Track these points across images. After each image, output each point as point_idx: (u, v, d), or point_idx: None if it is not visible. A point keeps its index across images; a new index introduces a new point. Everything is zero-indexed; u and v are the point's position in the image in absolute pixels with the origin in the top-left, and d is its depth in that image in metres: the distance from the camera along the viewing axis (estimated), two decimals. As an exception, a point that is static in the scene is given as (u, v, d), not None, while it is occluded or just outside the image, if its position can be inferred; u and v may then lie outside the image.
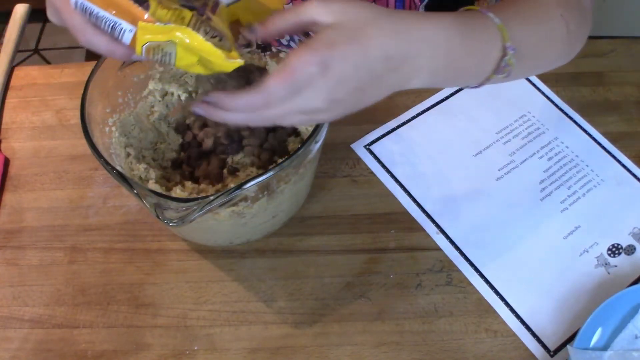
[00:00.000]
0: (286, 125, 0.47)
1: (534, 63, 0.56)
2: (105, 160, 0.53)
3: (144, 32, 0.41)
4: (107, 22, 0.42)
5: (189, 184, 0.60)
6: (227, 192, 0.50)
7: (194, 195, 0.59)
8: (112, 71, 0.61)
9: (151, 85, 0.67)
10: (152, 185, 0.60)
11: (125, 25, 0.42)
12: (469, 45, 0.48)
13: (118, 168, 0.56)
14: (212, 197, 0.49)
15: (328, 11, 0.41)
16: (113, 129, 0.62)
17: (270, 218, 0.62)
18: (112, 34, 0.42)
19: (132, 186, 0.51)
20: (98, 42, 0.43)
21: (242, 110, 0.43)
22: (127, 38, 0.42)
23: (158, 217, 0.49)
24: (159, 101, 0.67)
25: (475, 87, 0.52)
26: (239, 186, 0.50)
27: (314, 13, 0.42)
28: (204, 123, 0.65)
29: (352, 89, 0.42)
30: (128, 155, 0.63)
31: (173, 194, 0.58)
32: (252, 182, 0.50)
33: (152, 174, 0.62)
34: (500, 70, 0.50)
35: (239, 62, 0.42)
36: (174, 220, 0.49)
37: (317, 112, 0.43)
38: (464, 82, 0.52)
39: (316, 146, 0.56)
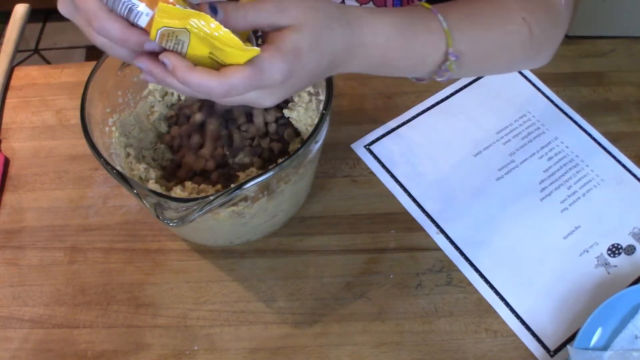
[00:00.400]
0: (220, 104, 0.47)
1: (482, 67, 0.56)
2: (105, 160, 0.53)
3: (162, 14, 0.40)
4: (125, 4, 0.41)
5: (189, 184, 0.60)
6: (227, 192, 0.50)
7: (194, 195, 0.59)
8: (112, 71, 0.61)
9: (151, 85, 0.67)
10: (152, 185, 0.60)
11: (143, 7, 0.41)
12: (408, 49, 0.49)
13: (118, 168, 0.56)
14: (212, 197, 0.49)
15: (289, 15, 0.42)
16: (113, 129, 0.62)
17: (270, 218, 0.62)
18: (128, 17, 0.41)
19: (132, 186, 0.51)
20: (111, 28, 0.42)
21: (193, 88, 0.41)
22: (143, 21, 0.42)
23: (158, 217, 0.49)
24: (159, 101, 0.68)
25: (421, 81, 0.54)
26: (239, 186, 0.50)
27: (273, 16, 0.42)
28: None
29: (298, 89, 0.46)
30: (128, 155, 0.63)
31: (173, 194, 0.58)
32: (252, 182, 0.50)
33: (152, 174, 0.62)
34: (440, 74, 0.51)
35: (255, 49, 0.41)
36: (174, 220, 0.49)
37: (258, 104, 0.45)
38: (399, 76, 0.53)
39: (316, 146, 0.56)
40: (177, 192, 0.59)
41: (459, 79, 0.59)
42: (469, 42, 0.51)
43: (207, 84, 0.40)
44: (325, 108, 0.55)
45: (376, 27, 0.47)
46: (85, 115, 0.55)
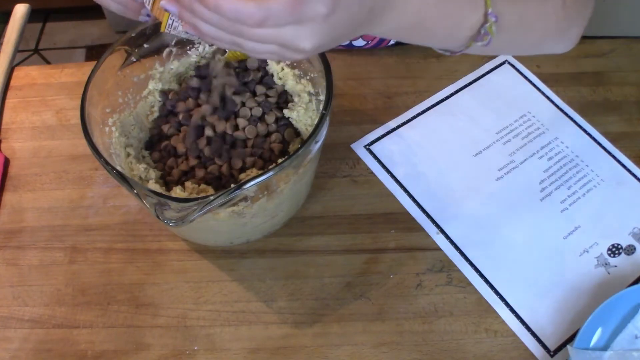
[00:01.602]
0: (253, 56, 0.43)
1: (520, 36, 0.54)
2: (105, 160, 0.53)
3: None
4: None
5: (189, 184, 0.60)
6: (227, 192, 0.50)
7: (194, 195, 0.59)
8: (112, 71, 0.61)
9: (151, 85, 0.67)
10: (152, 185, 0.60)
11: None
12: (445, 7, 0.46)
13: (118, 168, 0.56)
14: (212, 197, 0.49)
15: None
16: (113, 129, 0.62)
17: (270, 218, 0.62)
18: None
19: (132, 186, 0.51)
20: None
21: (227, 13, 0.37)
22: None
23: (158, 217, 0.49)
24: (159, 101, 0.68)
25: (455, 52, 0.51)
26: (239, 186, 0.50)
27: None
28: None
29: (336, 37, 0.41)
30: (128, 155, 0.63)
31: (173, 194, 0.58)
32: (252, 183, 0.50)
33: (152, 174, 0.62)
34: (480, 38, 0.48)
35: None
36: (174, 220, 0.49)
37: (296, 51, 0.40)
38: (436, 44, 0.51)
39: (316, 146, 0.56)
40: (177, 192, 0.59)
41: (503, 53, 0.57)
42: (507, 4, 0.49)
43: (242, 9, 0.36)
44: (325, 108, 0.55)
45: None
46: (85, 115, 0.55)
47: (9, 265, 0.66)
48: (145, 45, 0.63)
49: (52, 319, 0.62)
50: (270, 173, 0.51)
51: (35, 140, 0.75)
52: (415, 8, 0.45)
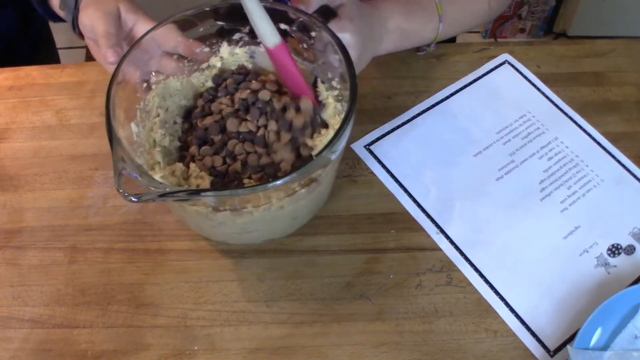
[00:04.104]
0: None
1: (459, 29, 0.79)
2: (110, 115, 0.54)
3: None
4: None
5: (193, 165, 0.60)
6: (187, 191, 0.50)
7: (182, 181, 0.59)
8: (174, 34, 0.63)
9: (212, 61, 0.67)
10: (157, 153, 0.60)
11: None
12: (413, 23, 0.73)
13: (133, 124, 0.58)
14: (168, 190, 0.50)
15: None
16: (154, 86, 0.63)
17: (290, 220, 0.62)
18: None
19: (113, 146, 0.52)
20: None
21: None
22: None
23: (118, 189, 0.50)
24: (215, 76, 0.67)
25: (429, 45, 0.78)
26: (196, 192, 0.51)
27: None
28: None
29: (363, 60, 0.68)
30: (158, 115, 0.63)
31: (157, 169, 0.59)
32: (209, 193, 0.51)
33: (167, 141, 0.62)
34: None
35: None
36: (132, 196, 0.50)
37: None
38: (416, 45, 0.78)
39: (334, 155, 0.55)
40: (164, 171, 0.59)
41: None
42: (448, 8, 0.74)
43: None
44: (344, 123, 0.54)
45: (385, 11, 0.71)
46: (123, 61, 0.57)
47: (9, 265, 0.66)
48: (219, 22, 0.64)
49: (52, 319, 0.62)
50: (284, 179, 0.51)
51: (35, 140, 0.75)
52: (396, 35, 0.72)
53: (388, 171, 0.71)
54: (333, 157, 0.55)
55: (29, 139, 0.75)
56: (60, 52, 1.19)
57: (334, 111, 0.63)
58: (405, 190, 0.69)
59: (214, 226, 0.60)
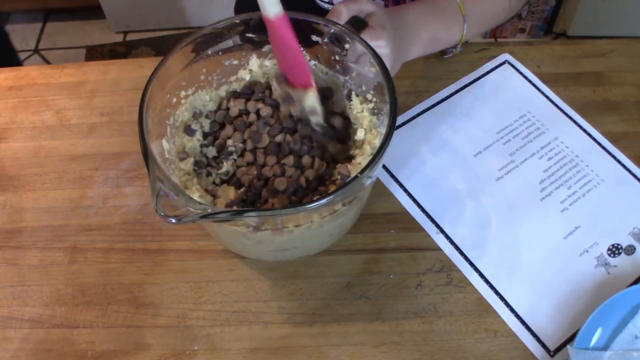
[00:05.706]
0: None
1: (482, 28, 0.79)
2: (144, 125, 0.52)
3: None
4: None
5: (230, 189, 0.58)
6: (239, 212, 0.49)
7: (209, 198, 0.58)
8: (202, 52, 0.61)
9: (241, 74, 0.66)
10: (188, 165, 0.59)
11: None
12: (443, 25, 0.74)
13: (165, 143, 0.57)
14: (217, 211, 0.48)
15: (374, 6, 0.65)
16: (183, 101, 0.62)
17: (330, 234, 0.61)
18: None
19: (149, 166, 0.49)
20: None
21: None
22: None
23: (157, 210, 0.47)
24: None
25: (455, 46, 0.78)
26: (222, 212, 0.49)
27: (368, 6, 0.65)
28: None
29: (396, 64, 0.69)
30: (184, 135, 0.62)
31: (194, 189, 0.57)
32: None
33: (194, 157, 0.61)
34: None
35: None
36: (172, 218, 0.47)
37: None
38: (444, 47, 0.77)
39: (369, 181, 0.54)
40: (197, 188, 0.57)
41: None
42: (472, 6, 0.75)
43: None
44: (385, 139, 0.52)
45: (412, 14, 0.71)
46: (156, 75, 0.55)
47: (9, 265, 0.66)
48: (248, 35, 0.62)
49: (52, 319, 0.62)
50: (319, 201, 0.49)
51: (35, 140, 0.75)
52: (425, 39, 0.72)
53: (388, 171, 0.71)
54: (373, 174, 0.54)
55: (29, 139, 0.75)
56: (60, 52, 1.19)
57: (369, 124, 0.61)
58: (405, 190, 0.69)
59: (251, 245, 0.58)
